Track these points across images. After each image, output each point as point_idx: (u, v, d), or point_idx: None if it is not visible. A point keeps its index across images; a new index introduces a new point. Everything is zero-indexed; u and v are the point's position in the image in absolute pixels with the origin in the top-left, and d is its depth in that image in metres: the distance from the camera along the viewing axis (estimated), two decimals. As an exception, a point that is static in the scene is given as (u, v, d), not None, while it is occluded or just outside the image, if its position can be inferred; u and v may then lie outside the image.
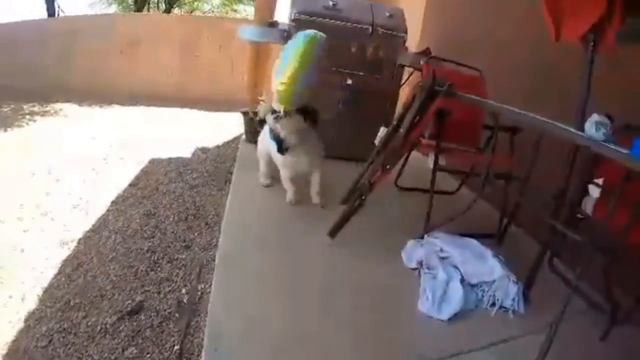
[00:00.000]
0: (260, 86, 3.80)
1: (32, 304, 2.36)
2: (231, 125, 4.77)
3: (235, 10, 12.27)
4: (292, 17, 2.76)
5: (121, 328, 2.18)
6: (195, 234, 2.95)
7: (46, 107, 5.37)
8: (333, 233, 1.83)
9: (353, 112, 3.02)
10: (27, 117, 5.06)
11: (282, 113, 2.00)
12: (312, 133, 2.20)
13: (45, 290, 2.43)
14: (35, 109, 5.27)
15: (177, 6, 11.97)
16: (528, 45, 2.61)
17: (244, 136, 3.47)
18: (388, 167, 1.79)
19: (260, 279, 1.61)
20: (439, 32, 3.76)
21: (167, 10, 11.40)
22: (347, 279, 1.64)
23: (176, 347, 2.05)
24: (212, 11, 12.60)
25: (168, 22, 6.10)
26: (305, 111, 2.07)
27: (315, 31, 2.06)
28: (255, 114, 2.94)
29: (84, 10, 11.46)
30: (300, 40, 2.02)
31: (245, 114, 3.35)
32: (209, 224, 3.06)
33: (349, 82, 2.94)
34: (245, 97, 4.10)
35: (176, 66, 5.62)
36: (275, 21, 3.44)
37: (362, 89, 2.97)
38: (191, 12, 11.95)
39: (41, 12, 8.73)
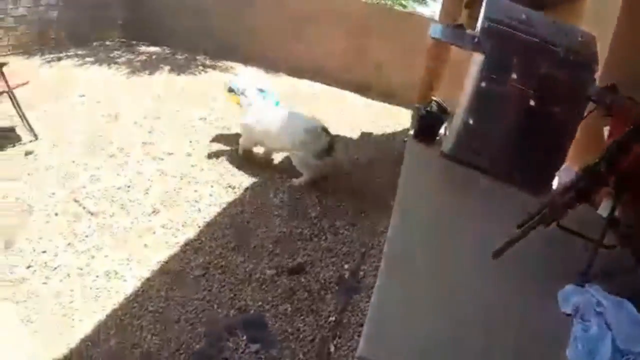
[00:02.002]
0: (435, 85, 3.87)
1: (191, 233, 2.76)
2: (391, 117, 4.94)
3: (404, 6, 12.95)
4: (484, 26, 2.82)
5: (278, 283, 2.34)
6: (362, 215, 3.02)
7: (217, 62, 6.62)
8: (497, 254, 1.94)
9: (524, 136, 2.87)
10: (202, 70, 6.36)
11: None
12: None
13: (207, 224, 2.82)
14: (207, 62, 6.64)
15: None
16: None
17: (411, 132, 3.52)
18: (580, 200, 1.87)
19: (421, 280, 1.73)
20: (628, 68, 3.28)
21: None
22: (497, 304, 1.72)
23: (332, 319, 2.10)
24: (378, 2, 13.50)
25: (338, 2, 6.77)
26: None
27: None
28: (429, 112, 3.18)
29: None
30: None
31: (417, 109, 3.42)
32: (375, 206, 3.11)
33: (532, 103, 2.84)
34: (412, 92, 4.20)
35: (342, 48, 6.12)
36: (462, 24, 3.61)
37: (541, 114, 2.85)
38: None
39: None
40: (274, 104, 3.94)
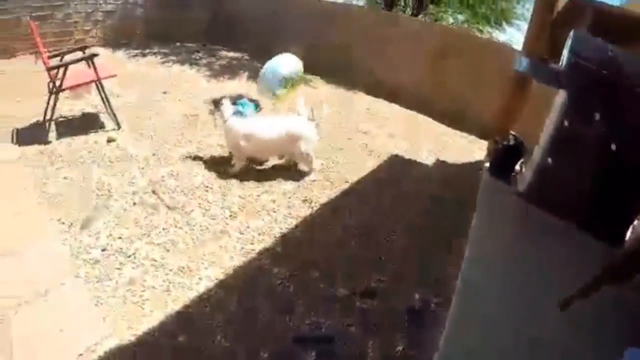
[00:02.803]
0: (515, 119, 3.83)
1: (267, 242, 2.87)
2: (466, 147, 4.89)
3: (481, 31, 13.02)
4: (569, 62, 2.74)
5: (351, 304, 2.37)
6: (435, 243, 3.02)
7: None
8: (565, 305, 1.95)
9: (604, 182, 2.72)
10: None
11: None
12: None
13: (283, 235, 2.93)
14: None
15: (424, 14, 13.63)
16: None
17: (486, 165, 3.45)
18: None
19: (491, 321, 1.85)
20: None
21: (414, 15, 13.10)
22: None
23: (399, 348, 2.10)
24: (455, 26, 13.73)
25: (418, 27, 6.96)
26: None
27: None
28: (506, 146, 3.16)
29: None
30: None
31: (494, 142, 3.38)
32: (448, 236, 3.08)
33: (614, 147, 2.70)
34: (489, 123, 4.14)
35: (420, 72, 6.23)
36: (546, 59, 3.55)
37: (623, 160, 2.63)
38: (435, 22, 13.37)
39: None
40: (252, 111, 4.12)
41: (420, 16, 13.10)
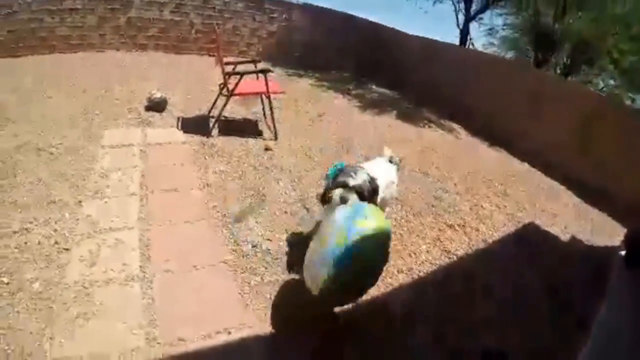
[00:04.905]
0: None
1: (406, 281, 2.98)
2: (603, 228, 4.56)
3: (632, 99, 12.31)
4: None
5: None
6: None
7: (444, 122, 7.12)
8: None
9: None
10: (426, 124, 6.86)
11: None
12: None
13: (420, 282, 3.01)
14: (432, 117, 7.04)
15: (575, 74, 13.23)
16: None
17: (621, 253, 3.23)
18: None
19: None
20: None
21: (564, 75, 12.79)
22: None
23: None
24: (605, 91, 13.10)
25: (569, 89, 6.86)
26: None
27: None
28: None
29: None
30: None
31: (634, 232, 3.18)
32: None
33: None
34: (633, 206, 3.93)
35: (566, 137, 6.07)
36: None
37: None
38: (585, 83, 12.92)
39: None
40: None
41: (570, 77, 12.74)
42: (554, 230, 4.05)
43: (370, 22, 9.03)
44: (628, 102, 12.01)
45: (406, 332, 2.52)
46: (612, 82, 13.61)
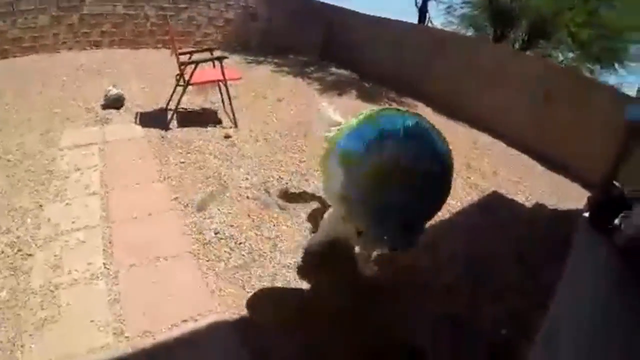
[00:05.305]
0: (621, 169, 3.75)
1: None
2: (566, 192, 4.76)
3: (591, 71, 12.73)
4: None
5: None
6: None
7: (406, 100, 7.21)
8: None
9: None
10: (388, 102, 6.88)
11: None
12: None
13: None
14: (393, 95, 7.20)
15: (533, 48, 13.62)
16: None
17: (585, 215, 3.36)
18: None
19: None
20: None
21: (523, 49, 13.14)
22: None
23: None
24: (564, 64, 13.55)
25: (524, 61, 7.00)
26: None
27: None
28: (608, 197, 2.98)
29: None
30: None
31: (596, 192, 3.31)
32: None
33: None
34: (593, 171, 4.07)
35: (524, 109, 6.22)
36: None
37: None
38: (544, 57, 13.31)
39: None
40: None
41: (529, 52, 13.07)
42: (519, 198, 4.17)
43: (329, 4, 9.02)
44: (587, 74, 12.29)
45: (374, 301, 2.59)
46: (570, 54, 13.90)
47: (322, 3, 9.03)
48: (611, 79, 12.05)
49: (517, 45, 13.55)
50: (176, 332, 2.22)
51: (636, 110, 3.46)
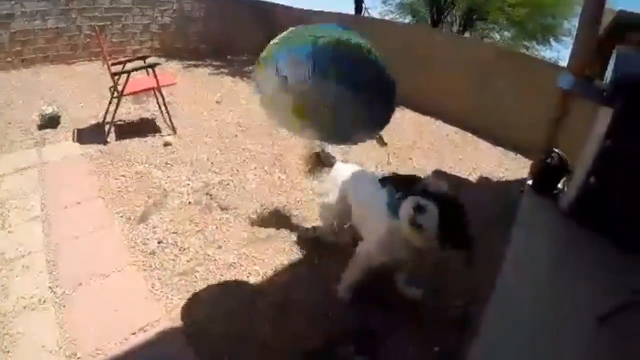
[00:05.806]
0: (558, 137, 3.97)
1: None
2: (510, 165, 5.03)
3: (527, 47, 13.51)
4: (614, 79, 2.70)
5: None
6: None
7: None
8: (603, 319, 2.13)
9: None
10: None
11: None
12: None
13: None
14: None
15: (470, 30, 14.21)
16: None
17: (529, 182, 3.62)
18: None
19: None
20: None
21: (461, 32, 13.67)
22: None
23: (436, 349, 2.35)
24: (502, 42, 14.31)
25: (461, 43, 7.29)
26: None
27: None
28: (549, 164, 3.39)
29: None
30: None
31: (538, 160, 3.54)
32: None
33: None
34: (534, 141, 4.32)
35: (465, 89, 6.49)
36: (590, 76, 3.62)
37: None
38: (481, 39, 13.93)
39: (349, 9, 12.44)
40: None
41: (467, 33, 13.55)
42: (463, 174, 4.31)
43: (261, 1, 9.01)
44: (523, 50, 12.76)
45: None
46: (507, 33, 14.41)
47: (263, 2, 9.03)
48: (547, 53, 12.64)
49: (454, 29, 13.95)
50: (127, 346, 2.25)
51: (566, 78, 3.66)
